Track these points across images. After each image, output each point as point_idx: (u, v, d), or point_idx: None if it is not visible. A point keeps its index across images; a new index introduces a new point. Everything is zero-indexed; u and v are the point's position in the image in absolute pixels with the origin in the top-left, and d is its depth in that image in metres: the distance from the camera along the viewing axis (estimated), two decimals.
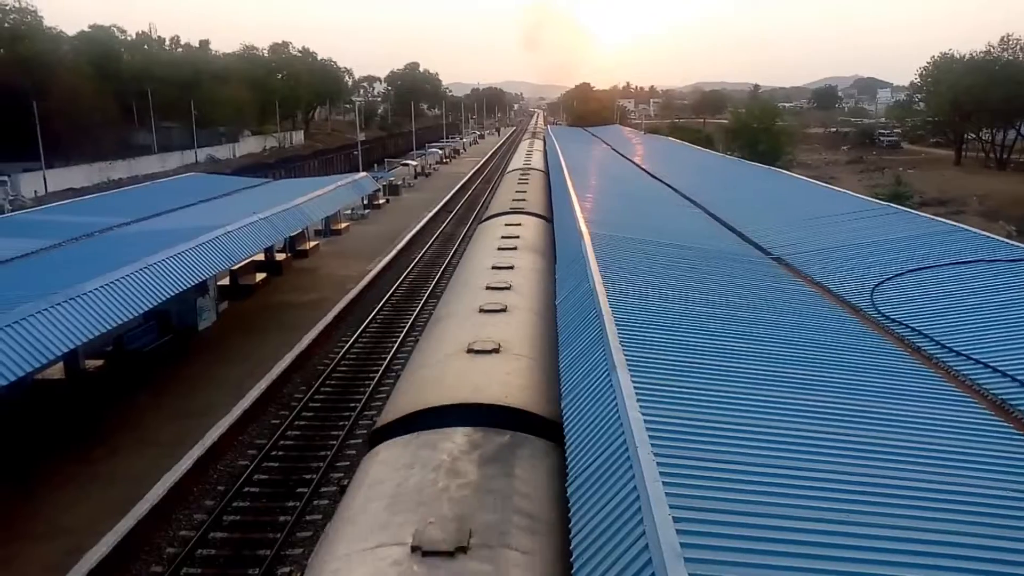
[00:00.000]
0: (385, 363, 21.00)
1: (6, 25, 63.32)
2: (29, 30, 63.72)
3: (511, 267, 15.12)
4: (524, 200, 26.07)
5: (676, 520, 5.09)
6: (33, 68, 57.51)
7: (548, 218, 23.42)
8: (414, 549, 5.87)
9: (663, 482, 5.59)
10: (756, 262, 15.96)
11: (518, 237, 18.54)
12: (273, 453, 16.08)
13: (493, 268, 15.05)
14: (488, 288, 13.32)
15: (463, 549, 5.86)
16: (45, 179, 52.73)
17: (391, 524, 6.38)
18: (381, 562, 5.86)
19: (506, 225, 20.59)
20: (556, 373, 9.28)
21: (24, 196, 47.81)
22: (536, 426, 8.29)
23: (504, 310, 12.03)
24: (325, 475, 15.02)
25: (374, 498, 7.01)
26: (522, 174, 36.12)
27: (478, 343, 10.31)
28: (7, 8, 63.89)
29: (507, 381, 9.22)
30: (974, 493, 6.05)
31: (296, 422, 17.53)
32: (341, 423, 17.41)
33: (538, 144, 67.71)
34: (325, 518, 12.88)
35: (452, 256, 34.48)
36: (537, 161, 45.46)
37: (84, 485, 14.10)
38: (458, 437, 7.82)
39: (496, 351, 10.10)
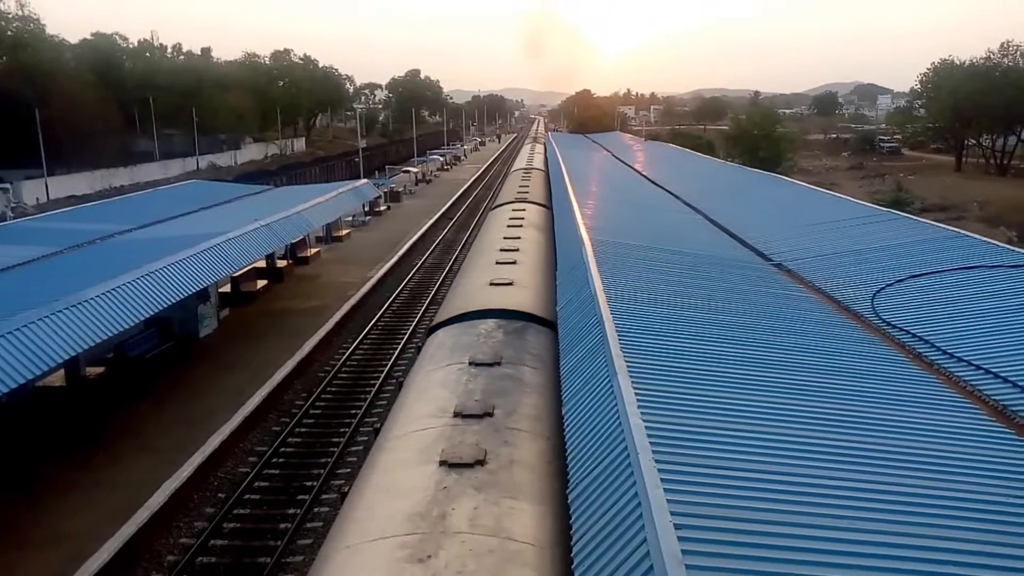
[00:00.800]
0: (387, 369, 21.00)
1: (9, 33, 63.51)
2: (32, 38, 63.89)
3: (518, 237, 19.29)
4: (527, 192, 30.56)
5: (677, 527, 5.09)
6: (35, 76, 57.57)
7: (547, 206, 27.50)
8: (470, 363, 10.09)
9: (664, 488, 5.59)
10: (757, 268, 15.97)
11: (523, 218, 22.76)
12: (274, 460, 16.07)
13: (505, 238, 19.25)
14: (502, 250, 17.53)
15: (498, 363, 10.08)
16: (47, 186, 52.74)
17: (453, 356, 10.67)
18: (451, 369, 10.12)
19: (513, 211, 24.81)
20: (550, 296, 13.67)
21: (26, 203, 47.79)
22: (537, 320, 12.46)
23: (514, 263, 16.19)
24: (326, 482, 15.00)
25: (440, 348, 11.38)
26: (525, 172, 40.94)
27: (497, 279, 14.43)
28: (10, 16, 64.14)
29: (518, 299, 13.29)
30: (974, 498, 6.05)
31: (297, 429, 17.53)
32: (342, 429, 17.41)
33: (539, 148, 68.97)
34: (326, 524, 12.87)
35: (453, 263, 34.49)
36: (538, 162, 50.74)
37: (85, 491, 14.08)
38: (489, 323, 11.99)
39: (510, 284, 14.20)
